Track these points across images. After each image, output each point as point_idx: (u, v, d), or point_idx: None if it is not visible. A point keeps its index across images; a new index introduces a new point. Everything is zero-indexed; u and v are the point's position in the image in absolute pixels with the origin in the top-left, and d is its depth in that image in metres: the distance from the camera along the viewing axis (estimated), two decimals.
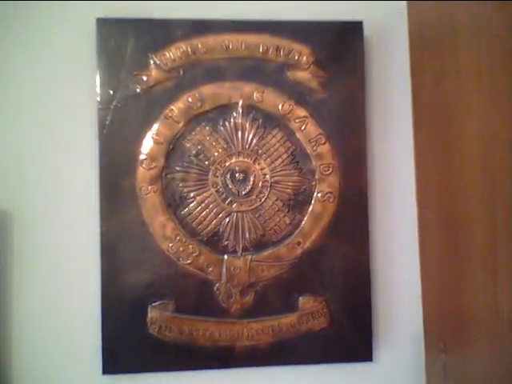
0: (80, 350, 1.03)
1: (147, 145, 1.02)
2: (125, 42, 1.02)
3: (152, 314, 1.00)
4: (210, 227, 1.03)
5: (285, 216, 1.04)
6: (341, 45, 1.06)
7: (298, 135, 1.05)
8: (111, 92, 1.02)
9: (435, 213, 1.02)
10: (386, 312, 1.09)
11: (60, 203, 1.05)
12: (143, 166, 1.02)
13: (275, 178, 1.04)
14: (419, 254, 1.08)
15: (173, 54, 1.03)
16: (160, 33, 1.03)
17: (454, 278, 0.95)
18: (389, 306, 1.09)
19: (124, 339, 1.00)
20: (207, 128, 1.03)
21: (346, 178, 1.05)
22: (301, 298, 1.03)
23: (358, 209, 1.05)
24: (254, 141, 1.04)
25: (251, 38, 1.05)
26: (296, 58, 1.05)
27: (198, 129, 1.03)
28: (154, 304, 1.01)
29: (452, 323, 0.97)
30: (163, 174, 1.02)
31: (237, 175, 1.03)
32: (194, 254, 1.02)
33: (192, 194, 1.03)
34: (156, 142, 1.02)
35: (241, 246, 1.03)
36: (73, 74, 1.06)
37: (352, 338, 1.04)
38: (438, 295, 1.03)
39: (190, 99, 1.03)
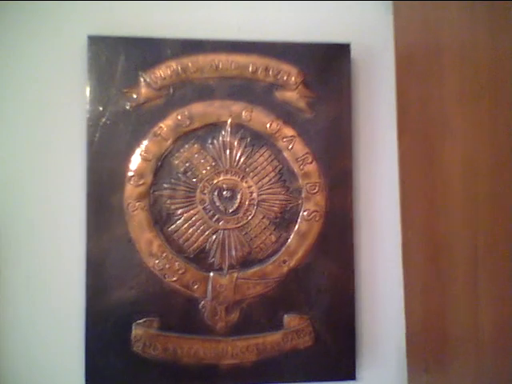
0: (62, 367, 1.02)
1: (135, 162, 1.01)
2: (116, 60, 1.02)
3: (136, 331, 0.99)
4: (196, 244, 1.02)
5: (271, 234, 1.04)
6: (329, 66, 1.06)
7: (286, 154, 1.04)
8: (101, 108, 1.01)
9: (418, 233, 1.03)
10: (369, 331, 1.08)
11: (46, 218, 1.04)
12: (131, 182, 1.01)
13: (262, 196, 1.04)
14: (403, 273, 1.08)
15: (163, 72, 1.03)
16: (151, 51, 1.03)
17: (437, 298, 0.95)
18: (373, 325, 1.09)
19: (107, 357, 0.98)
20: (196, 146, 1.03)
21: (331, 197, 1.04)
22: (286, 316, 1.02)
23: (343, 228, 1.05)
24: (242, 159, 1.04)
25: (241, 58, 1.04)
26: (284, 78, 1.05)
27: (187, 146, 1.03)
28: (138, 321, 0.99)
29: (434, 343, 0.97)
30: (151, 190, 1.01)
31: (224, 193, 1.03)
32: (180, 272, 1.01)
33: (179, 211, 1.02)
34: (144, 159, 1.01)
35: (227, 263, 1.02)
36: (63, 90, 1.05)
37: (336, 357, 1.03)
38: (421, 315, 1.02)
39: (179, 117, 1.02)
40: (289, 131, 1.05)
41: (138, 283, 1.00)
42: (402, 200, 1.08)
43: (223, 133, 1.03)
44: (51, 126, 1.05)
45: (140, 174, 1.01)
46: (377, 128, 1.11)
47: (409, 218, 1.06)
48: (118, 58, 1.02)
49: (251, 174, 1.04)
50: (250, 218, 1.03)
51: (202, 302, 1.01)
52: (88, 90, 1.01)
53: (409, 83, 1.07)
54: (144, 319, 0.99)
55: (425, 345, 1.00)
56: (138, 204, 1.00)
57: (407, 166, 1.07)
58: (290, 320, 1.02)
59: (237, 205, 1.03)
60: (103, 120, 1.01)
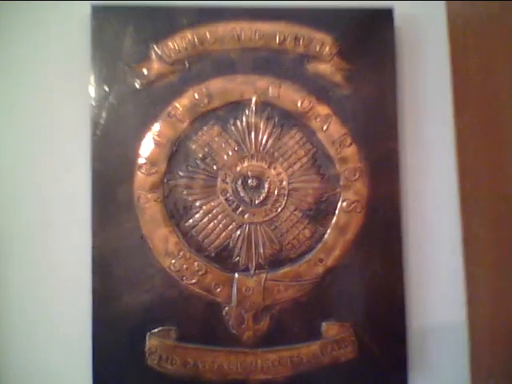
0: (67, 382, 0.97)
1: (147, 147, 0.96)
2: (123, 32, 0.97)
3: (151, 342, 0.93)
4: (218, 241, 0.96)
5: (305, 228, 0.97)
6: (368, 34, 1.00)
7: (320, 136, 0.98)
8: (106, 88, 0.96)
9: (485, 227, 0.95)
10: (424, 341, 1.01)
11: (46, 213, 0.98)
12: (142, 171, 0.95)
13: (293, 185, 0.98)
14: (465, 274, 0.99)
15: (177, 44, 0.97)
16: (163, 21, 0.97)
17: (507, 302, 0.87)
18: (427, 333, 1.01)
19: (118, 371, 0.93)
20: (216, 128, 0.97)
21: (375, 185, 0.98)
22: (324, 324, 0.96)
23: (389, 220, 0.98)
24: (270, 142, 0.98)
25: (266, 27, 0.99)
26: (317, 48, 0.99)
27: (205, 128, 0.97)
28: (153, 331, 0.94)
29: (504, 355, 0.89)
30: (165, 180, 0.96)
31: (249, 181, 0.97)
32: (200, 273, 0.95)
33: (198, 204, 0.96)
34: (157, 144, 0.96)
35: (254, 263, 0.96)
36: (64, 67, 1.00)
37: (383, 370, 0.96)
38: (487, 321, 0.95)
39: (196, 95, 0.97)
40: (323, 109, 0.98)
41: (152, 286, 0.95)
42: (462, 187, 1.00)
43: (247, 112, 0.98)
44: (51, 108, 1.00)
45: (152, 161, 0.96)
46: (427, 104, 1.04)
47: (471, 210, 0.98)
48: (126, 30, 0.97)
49: (280, 159, 0.98)
50: (279, 210, 0.97)
51: (226, 308, 0.95)
52: (92, 66, 0.96)
53: (466, 53, 0.99)
54: (159, 328, 0.94)
55: (492, 357, 0.94)
56: (150, 196, 0.95)
57: (467, 148, 0.99)
58: (328, 328, 0.96)
59: (264, 195, 0.97)
60: (109, 100, 0.96)
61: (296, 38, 0.98)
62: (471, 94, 0.98)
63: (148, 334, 0.93)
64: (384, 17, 1.00)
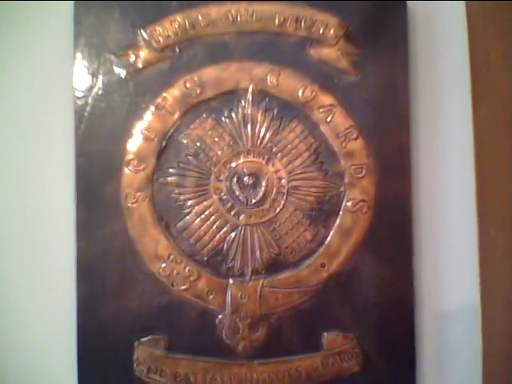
0: None
1: (135, 142, 0.93)
2: (108, 16, 0.94)
3: (139, 352, 0.92)
4: (211, 244, 0.93)
5: (305, 230, 0.94)
6: (378, 15, 0.95)
7: (323, 128, 0.95)
8: (91, 77, 0.94)
9: (504, 231, 0.92)
10: (435, 354, 0.97)
11: (27, 214, 0.96)
12: (129, 167, 0.93)
13: (294, 183, 0.94)
14: (480, 283, 0.94)
15: (167, 28, 0.94)
16: (151, 3, 0.94)
17: None
18: (439, 346, 0.98)
19: (104, 383, 0.92)
20: (209, 120, 0.94)
21: (383, 183, 0.95)
22: (326, 334, 0.93)
23: (399, 222, 0.95)
24: (268, 136, 0.95)
25: (264, 8, 0.95)
26: (321, 31, 0.95)
27: (198, 121, 0.94)
28: (141, 340, 0.92)
29: None
30: (154, 177, 0.93)
31: (245, 179, 0.94)
32: (192, 278, 0.93)
33: (190, 203, 0.93)
34: (145, 139, 0.93)
35: (250, 267, 0.93)
36: (45, 57, 0.97)
37: None
38: (503, 334, 0.92)
39: (187, 84, 0.94)
40: (327, 99, 0.95)
41: (141, 293, 0.92)
42: (480, 187, 0.96)
43: (243, 103, 0.95)
44: (32, 101, 0.97)
45: (140, 156, 0.93)
46: (442, 93, 1.00)
47: (490, 213, 0.94)
48: (111, 14, 0.95)
49: (279, 154, 0.95)
50: (278, 210, 0.94)
51: (220, 317, 0.93)
52: (75, 55, 0.94)
53: (485, 37, 0.95)
54: (148, 337, 0.92)
55: (507, 372, 0.91)
56: (138, 195, 0.93)
57: (486, 142, 0.95)
58: (331, 339, 0.93)
59: (261, 194, 0.94)
60: (94, 91, 0.93)
61: (297, 20, 0.95)
62: (491, 84, 0.95)
63: (136, 343, 0.91)
64: None
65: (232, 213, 0.93)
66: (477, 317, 0.95)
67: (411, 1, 0.95)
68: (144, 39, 0.93)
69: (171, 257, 0.92)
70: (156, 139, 0.93)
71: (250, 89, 0.94)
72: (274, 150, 0.94)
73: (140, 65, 0.93)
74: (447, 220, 0.99)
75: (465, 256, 0.98)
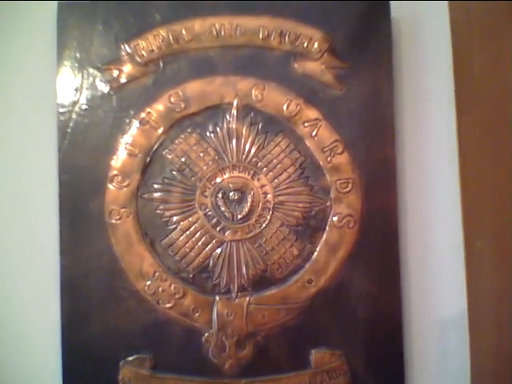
0: None
1: (119, 157, 0.93)
2: (91, 30, 0.93)
3: (124, 372, 0.90)
4: (196, 261, 0.92)
5: (292, 246, 0.93)
6: (362, 28, 0.96)
7: (308, 143, 0.95)
8: (74, 92, 0.93)
9: (490, 244, 0.92)
10: (424, 369, 0.96)
11: (10, 230, 0.95)
12: (113, 184, 0.92)
13: (279, 198, 0.94)
14: (467, 297, 0.94)
15: (150, 42, 0.94)
16: (134, 17, 0.94)
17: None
18: (428, 362, 0.97)
19: None
20: (193, 135, 0.94)
21: (369, 197, 0.94)
22: (313, 352, 0.92)
23: (385, 236, 0.94)
24: (253, 151, 0.94)
25: (248, 22, 0.95)
26: (305, 45, 0.95)
27: (183, 136, 0.94)
28: (127, 359, 0.90)
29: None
30: (139, 193, 0.92)
31: (231, 194, 0.93)
32: (177, 296, 0.91)
33: (175, 219, 0.93)
34: (130, 154, 0.93)
35: (236, 284, 0.92)
36: (27, 71, 0.96)
37: None
38: (490, 351, 0.92)
39: (171, 99, 0.93)
40: (312, 113, 0.94)
41: (125, 311, 0.91)
42: (465, 200, 0.95)
43: (228, 118, 0.94)
44: (14, 117, 0.96)
45: (125, 172, 0.92)
46: (427, 106, 1.00)
47: (476, 224, 0.94)
48: (94, 28, 0.94)
49: (265, 169, 0.94)
50: (264, 225, 0.93)
51: (206, 335, 0.91)
52: (58, 68, 0.93)
53: (470, 48, 0.96)
54: (134, 357, 0.90)
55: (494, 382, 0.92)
56: (122, 211, 0.92)
57: (470, 154, 0.95)
58: (318, 356, 0.92)
59: (247, 209, 0.93)
60: (77, 106, 0.93)
61: (281, 34, 0.95)
62: (476, 94, 0.95)
63: (121, 362, 0.90)
64: (380, 9, 0.96)
65: (218, 229, 0.92)
66: (465, 329, 0.94)
67: (396, 10, 0.96)
68: (127, 53, 0.92)
69: (156, 274, 0.91)
70: (140, 155, 0.92)
71: (235, 103, 0.93)
72: (259, 164, 0.93)
73: (124, 79, 0.92)
74: (433, 232, 0.99)
75: (452, 268, 0.97)
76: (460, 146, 0.97)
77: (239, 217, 0.92)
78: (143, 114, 0.92)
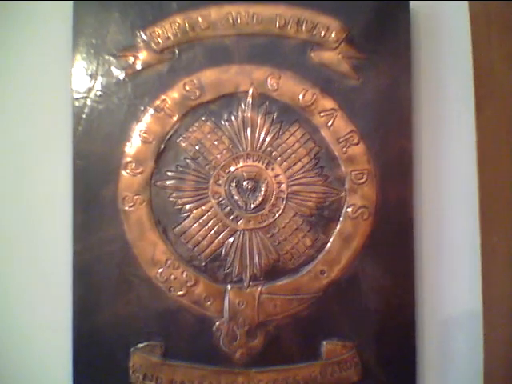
0: None
1: (133, 144, 0.92)
2: (107, 18, 0.93)
3: (135, 358, 0.90)
4: (209, 249, 0.92)
5: (305, 236, 0.93)
6: (380, 19, 0.94)
7: (324, 133, 0.94)
8: (89, 79, 0.93)
9: (507, 239, 0.91)
10: (436, 363, 0.96)
11: (24, 216, 0.95)
12: (127, 170, 0.92)
13: (293, 188, 0.93)
14: (482, 292, 0.92)
15: (166, 30, 0.93)
16: (150, 4, 0.93)
17: None
18: (440, 355, 0.96)
19: None
20: (208, 123, 0.93)
21: (385, 189, 0.93)
22: (325, 343, 0.92)
23: (400, 228, 0.93)
24: (267, 140, 0.94)
25: (265, 10, 0.94)
26: (322, 34, 0.94)
27: (197, 124, 0.93)
28: (137, 346, 0.90)
29: None
30: (152, 181, 0.92)
31: (244, 183, 0.93)
32: (189, 284, 0.91)
33: (188, 207, 0.92)
34: (144, 141, 0.92)
35: (248, 274, 0.92)
36: (44, 58, 0.96)
37: None
38: (504, 345, 0.91)
39: (186, 87, 0.93)
40: (328, 103, 0.94)
41: (137, 298, 0.91)
42: (482, 194, 0.94)
43: (243, 106, 0.94)
44: (30, 102, 0.96)
45: (138, 159, 0.92)
46: (446, 100, 0.99)
47: (492, 219, 0.93)
48: (110, 15, 0.95)
49: (279, 159, 0.93)
50: (277, 215, 0.93)
51: (217, 323, 0.91)
52: (73, 56, 0.93)
53: (489, 42, 0.95)
54: (144, 344, 0.90)
55: (509, 378, 0.92)
56: (136, 198, 0.92)
57: (489, 148, 0.94)
58: (330, 348, 0.92)
59: (261, 199, 0.93)
60: (92, 93, 0.93)
61: (298, 23, 0.94)
62: (495, 88, 0.95)
63: (132, 349, 0.90)
64: (399, 1, 0.94)
65: (231, 217, 0.92)
66: (479, 324, 0.93)
67: (415, 1, 0.94)
68: (143, 41, 0.92)
69: (168, 262, 0.91)
70: (154, 142, 0.91)
71: (250, 92, 0.93)
72: (273, 154, 0.93)
73: (139, 66, 0.92)
74: (449, 226, 0.98)
75: (467, 262, 0.97)
76: (478, 141, 0.96)
77: (252, 206, 0.92)
78: (158, 102, 0.92)
